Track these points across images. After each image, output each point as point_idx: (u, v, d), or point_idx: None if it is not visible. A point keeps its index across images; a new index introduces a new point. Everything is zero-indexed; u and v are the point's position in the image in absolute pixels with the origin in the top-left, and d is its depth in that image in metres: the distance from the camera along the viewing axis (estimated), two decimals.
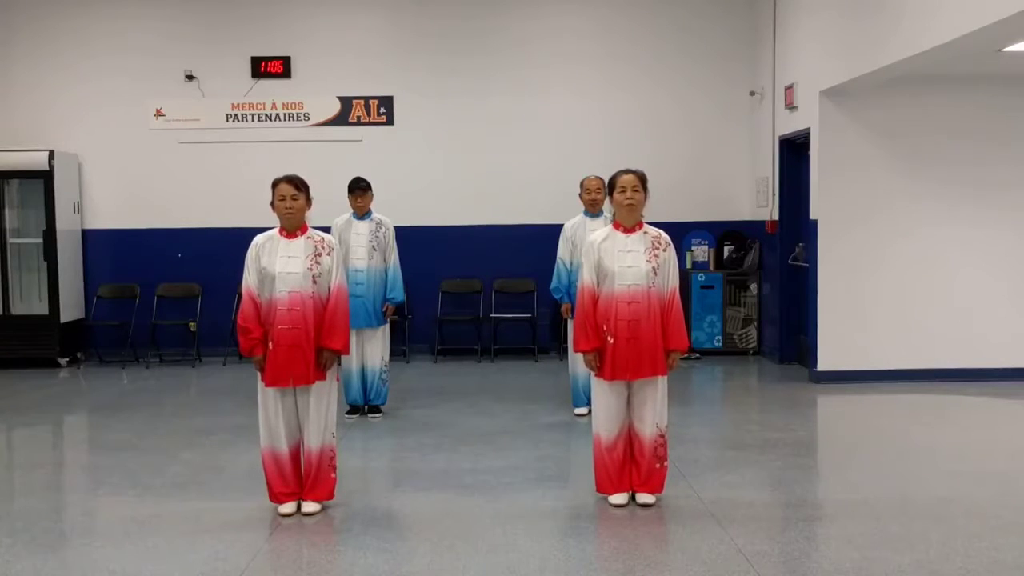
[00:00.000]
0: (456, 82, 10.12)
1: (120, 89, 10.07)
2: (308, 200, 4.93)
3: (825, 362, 8.28)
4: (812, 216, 8.46)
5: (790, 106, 8.94)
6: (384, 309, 7.07)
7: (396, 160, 10.04)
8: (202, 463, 5.98)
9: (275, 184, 4.90)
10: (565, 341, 7.68)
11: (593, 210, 7.02)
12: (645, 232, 4.93)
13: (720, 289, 9.87)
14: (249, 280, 4.85)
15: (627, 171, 4.96)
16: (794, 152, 9.16)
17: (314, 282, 4.82)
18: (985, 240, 8.32)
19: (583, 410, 7.05)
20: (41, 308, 9.68)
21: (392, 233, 7.13)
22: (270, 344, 4.79)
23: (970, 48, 6.23)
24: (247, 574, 4.15)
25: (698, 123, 10.17)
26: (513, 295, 10.08)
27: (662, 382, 4.92)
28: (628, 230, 4.92)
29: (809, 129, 8.45)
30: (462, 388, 8.43)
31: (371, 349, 7.08)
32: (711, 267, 10.02)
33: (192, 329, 9.81)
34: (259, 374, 4.87)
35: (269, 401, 4.87)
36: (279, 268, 4.80)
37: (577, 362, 6.50)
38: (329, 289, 4.87)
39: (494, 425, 6.92)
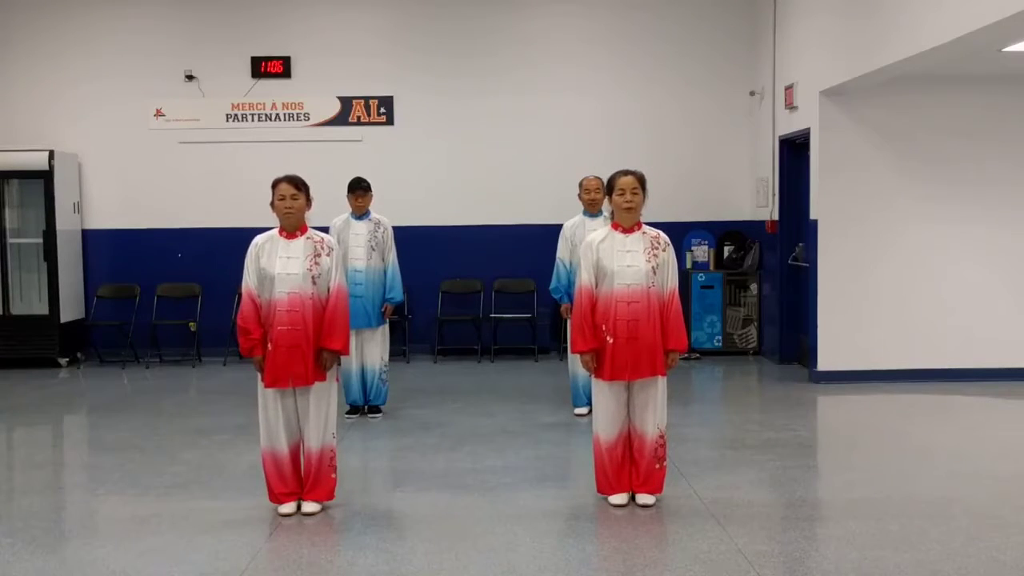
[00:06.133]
0: (456, 82, 10.12)
1: (120, 89, 10.07)
2: (308, 200, 4.93)
3: (825, 362, 8.28)
4: (812, 216, 8.46)
5: (790, 106, 8.94)
6: (383, 309, 7.07)
7: (396, 160, 10.04)
8: (202, 463, 5.98)
9: (275, 184, 4.90)
10: (565, 341, 7.67)
11: (592, 210, 7.02)
12: (644, 232, 4.93)
13: (720, 289, 9.87)
14: (249, 280, 4.85)
15: (626, 172, 4.94)
16: (794, 152, 9.16)
17: (313, 283, 4.82)
18: (985, 240, 8.31)
19: (583, 410, 7.06)
20: (41, 308, 9.67)
21: (391, 233, 7.13)
22: (269, 345, 4.79)
23: (970, 48, 6.22)
24: (247, 574, 4.15)
25: (698, 123, 10.17)
26: (513, 295, 10.07)
27: (662, 383, 4.92)
28: (627, 230, 4.92)
29: (809, 129, 8.45)
30: (462, 388, 8.43)
31: (370, 349, 7.08)
32: (711, 267, 10.01)
33: (192, 329, 9.81)
34: (259, 375, 4.87)
35: (269, 402, 4.87)
36: (278, 269, 4.80)
37: (577, 362, 6.46)
38: (329, 290, 4.87)
39: (494, 425, 6.92)
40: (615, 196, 4.91)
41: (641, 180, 4.91)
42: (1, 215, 9.68)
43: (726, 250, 10.05)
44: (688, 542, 4.46)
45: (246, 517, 4.87)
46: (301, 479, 4.96)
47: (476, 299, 10.08)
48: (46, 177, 9.54)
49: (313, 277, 4.82)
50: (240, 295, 5.01)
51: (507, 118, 10.11)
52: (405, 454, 6.21)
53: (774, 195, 9.42)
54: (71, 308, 9.87)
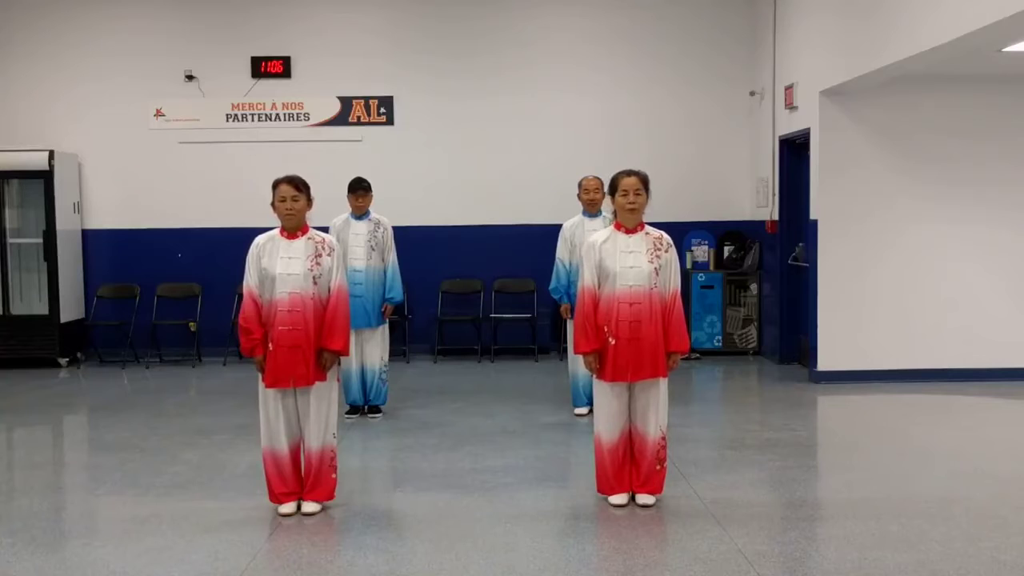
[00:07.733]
0: (456, 82, 10.12)
1: (120, 89, 10.07)
2: (309, 201, 4.93)
3: (825, 362, 8.28)
4: (812, 216, 8.46)
5: (790, 106, 8.94)
6: (383, 309, 7.07)
7: (396, 160, 10.04)
8: (202, 463, 5.98)
9: (276, 184, 4.90)
10: (565, 341, 7.68)
11: (592, 210, 7.03)
12: (647, 233, 4.92)
13: (720, 289, 9.87)
14: (250, 280, 4.85)
15: (629, 173, 4.93)
16: (794, 152, 9.16)
17: (314, 283, 4.82)
18: (985, 240, 8.32)
19: (583, 410, 7.05)
20: (41, 308, 9.67)
21: (390, 233, 7.13)
22: (270, 345, 4.79)
23: (970, 48, 6.23)
24: (247, 574, 4.15)
25: (698, 123, 10.17)
26: (513, 295, 10.08)
27: (664, 384, 4.91)
28: (629, 231, 4.91)
29: (809, 129, 8.45)
30: (462, 388, 8.43)
31: (370, 349, 7.08)
32: (711, 267, 10.01)
33: (192, 329, 9.81)
34: (260, 375, 4.87)
35: (269, 402, 4.87)
36: (279, 269, 4.80)
37: (577, 362, 6.49)
38: (330, 290, 4.87)
39: (494, 425, 6.92)
40: (618, 197, 4.90)
41: (644, 181, 4.91)
42: (1, 215, 9.68)
43: (726, 250, 10.05)
44: (688, 542, 4.46)
45: (246, 517, 4.87)
46: (301, 479, 4.96)
47: (476, 299, 10.08)
48: (46, 177, 9.54)
49: (314, 277, 4.82)
50: (241, 295, 5.01)
51: (507, 118, 10.11)
52: (405, 454, 6.21)
53: (774, 195, 9.42)
54: (71, 308, 9.87)
